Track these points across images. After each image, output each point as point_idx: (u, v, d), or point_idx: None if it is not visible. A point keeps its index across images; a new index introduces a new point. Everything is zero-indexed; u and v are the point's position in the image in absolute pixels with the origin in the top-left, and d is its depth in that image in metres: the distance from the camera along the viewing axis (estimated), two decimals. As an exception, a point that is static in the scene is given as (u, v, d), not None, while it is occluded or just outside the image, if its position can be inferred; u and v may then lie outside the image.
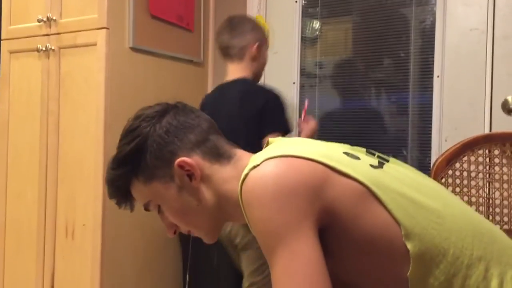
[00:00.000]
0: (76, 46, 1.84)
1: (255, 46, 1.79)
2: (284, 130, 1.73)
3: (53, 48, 1.89)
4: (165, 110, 0.92)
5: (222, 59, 1.87)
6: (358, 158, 0.83)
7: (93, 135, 1.77)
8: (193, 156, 0.88)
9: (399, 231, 0.74)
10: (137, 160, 0.89)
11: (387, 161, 0.88)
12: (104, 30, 1.77)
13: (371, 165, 0.82)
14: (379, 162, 0.85)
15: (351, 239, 0.76)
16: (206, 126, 0.92)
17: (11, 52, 2.03)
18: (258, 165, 0.77)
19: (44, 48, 1.90)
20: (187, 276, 2.03)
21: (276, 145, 0.87)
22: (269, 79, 2.31)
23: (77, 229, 1.82)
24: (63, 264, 1.85)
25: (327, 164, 0.77)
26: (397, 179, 0.81)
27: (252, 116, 1.70)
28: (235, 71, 1.80)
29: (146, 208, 0.94)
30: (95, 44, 1.78)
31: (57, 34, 1.88)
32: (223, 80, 1.88)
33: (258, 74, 1.88)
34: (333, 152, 0.82)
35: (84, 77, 1.81)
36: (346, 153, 0.84)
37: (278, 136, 1.62)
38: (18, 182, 1.99)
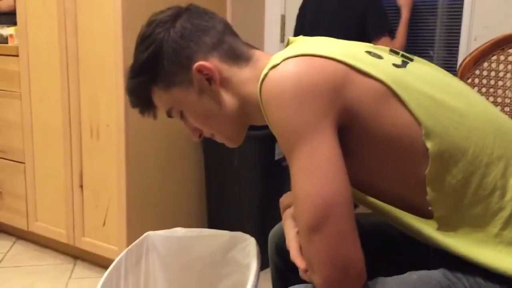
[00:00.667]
0: None
1: None
2: (390, 29, 1.69)
3: None
4: (177, 14, 0.89)
5: None
6: (380, 57, 0.81)
7: (112, 35, 1.75)
8: (211, 59, 0.87)
9: (419, 130, 0.74)
10: (155, 67, 0.88)
11: (411, 60, 0.85)
12: None
13: (394, 64, 0.80)
14: (402, 61, 0.83)
15: (370, 138, 0.76)
16: (221, 27, 0.90)
17: None
18: (277, 64, 0.75)
19: None
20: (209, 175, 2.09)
21: (297, 44, 0.84)
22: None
23: (102, 129, 1.86)
24: (90, 163, 1.92)
25: (348, 63, 0.76)
26: (420, 78, 0.79)
27: (352, 21, 1.67)
28: None
29: (169, 115, 0.95)
30: None
31: None
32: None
33: None
34: (355, 51, 0.80)
35: (99, -26, 1.75)
36: (369, 52, 0.81)
37: (386, 39, 1.64)
38: (40, 82, 2.01)
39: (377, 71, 0.76)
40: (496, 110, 0.86)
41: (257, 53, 0.90)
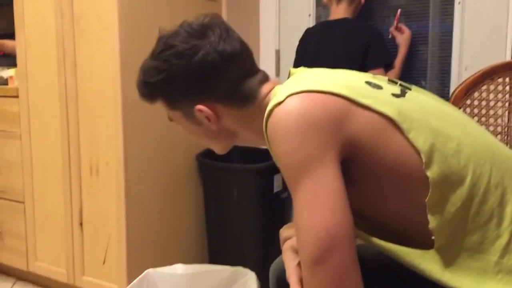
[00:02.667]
0: (87, -16, 1.81)
1: None
2: (388, 61, 1.86)
3: (64, -14, 1.86)
4: (199, 46, 0.89)
5: (329, 0, 1.97)
6: (380, 87, 0.83)
7: (111, 73, 1.78)
8: (216, 104, 0.91)
9: (418, 159, 0.76)
10: (163, 89, 0.93)
11: (409, 89, 0.87)
12: (115, -34, 1.73)
13: (393, 94, 0.82)
14: (401, 90, 0.85)
15: (372, 169, 0.77)
16: (236, 71, 0.90)
17: (23, -7, 2.00)
18: (282, 101, 0.78)
19: (55, -13, 1.87)
20: (209, 209, 2.09)
21: (298, 78, 0.87)
22: (284, 12, 2.26)
23: (101, 166, 1.87)
24: (90, 201, 1.93)
25: (349, 97, 0.78)
26: (418, 107, 0.81)
27: (358, 51, 1.82)
28: (341, 11, 1.93)
29: (170, 120, 1.01)
30: (106, -19, 1.75)
31: (67, -28, 1.85)
32: (237, 15, 1.86)
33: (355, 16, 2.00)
34: (355, 83, 0.82)
35: (97, 15, 1.80)
36: (368, 83, 0.84)
37: (381, 70, 1.82)
38: (40, 122, 2.03)
39: (377, 104, 0.78)
40: (492, 137, 0.88)
41: (263, 90, 0.92)
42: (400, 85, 0.88)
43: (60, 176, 1.99)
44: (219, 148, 1.00)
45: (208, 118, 0.92)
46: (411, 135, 0.76)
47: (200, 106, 0.90)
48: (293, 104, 0.77)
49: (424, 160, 0.75)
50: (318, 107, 0.76)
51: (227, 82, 0.90)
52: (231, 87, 0.90)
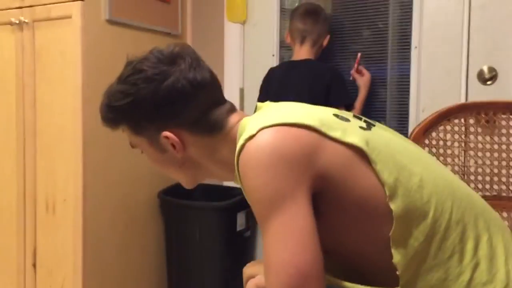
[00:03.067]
0: (51, 19, 1.79)
1: (328, 37, 2.02)
2: (348, 102, 1.93)
3: (26, 21, 1.84)
4: (168, 72, 0.88)
5: (292, 40, 2.04)
6: (348, 120, 0.85)
7: (71, 109, 1.75)
8: (182, 132, 0.89)
9: (383, 192, 0.76)
10: (128, 114, 0.90)
11: (373, 125, 0.89)
12: (79, 2, 1.72)
13: (360, 127, 0.84)
14: (366, 125, 0.87)
15: (339, 202, 0.78)
16: (204, 99, 0.90)
17: (-17, 26, 1.97)
18: (254, 135, 0.77)
19: (17, 21, 1.84)
20: (170, 249, 2.04)
21: (267, 110, 0.87)
22: (248, 51, 2.30)
23: (58, 204, 1.81)
24: (44, 240, 1.85)
25: (319, 130, 0.78)
26: (384, 141, 0.83)
27: (321, 90, 1.90)
28: (304, 52, 1.99)
29: (132, 147, 0.97)
30: (70, 17, 1.74)
31: (31, 6, 1.83)
32: (202, 54, 1.87)
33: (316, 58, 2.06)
34: (324, 116, 0.83)
35: (60, 51, 1.78)
36: (336, 115, 0.85)
37: (342, 108, 1.87)
38: (-5, 158, 1.96)
39: (347, 136, 0.79)
40: (452, 174, 0.90)
41: (231, 120, 0.91)
42: (365, 121, 0.90)
43: (14, 214, 1.91)
44: (184, 180, 0.97)
45: (173, 145, 0.89)
46: (378, 167, 0.77)
47: (166, 133, 0.88)
48: (265, 138, 0.76)
49: (388, 193, 0.76)
50: (291, 141, 0.76)
51: (195, 109, 0.89)
52: (199, 115, 0.89)
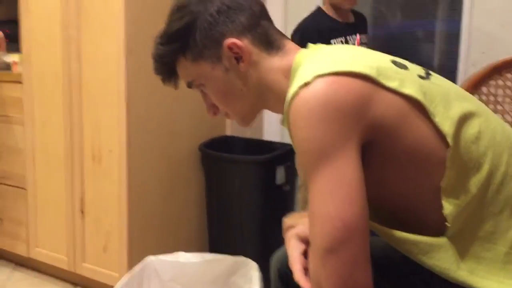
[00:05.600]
0: (94, -30, 1.79)
1: None
2: None
3: (70, -28, 1.85)
4: None
5: None
6: (406, 67, 0.82)
7: (115, 61, 1.77)
8: (243, 39, 0.88)
9: (439, 142, 0.75)
10: (187, 38, 0.89)
11: (431, 74, 0.86)
12: (122, -48, 1.71)
13: (419, 76, 0.81)
14: (425, 73, 0.84)
15: (389, 152, 0.76)
16: (258, 10, 0.91)
17: (28, -22, 1.99)
18: (309, 82, 0.75)
19: (61, -27, 1.86)
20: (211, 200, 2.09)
21: (323, 53, 0.84)
22: (291, 4, 2.24)
23: (104, 154, 1.86)
24: (91, 189, 1.92)
25: (375, 79, 0.75)
26: (443, 91, 0.80)
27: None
28: None
29: (189, 86, 0.95)
30: (113, -32, 1.73)
31: (74, -43, 1.84)
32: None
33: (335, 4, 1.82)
34: (381, 62, 0.80)
35: (104, 2, 1.78)
36: (394, 62, 0.82)
37: None
38: (43, 109, 2.02)
39: (403, 86, 0.76)
40: (510, 128, 0.87)
41: (288, 43, 0.91)
42: (423, 68, 0.86)
43: (62, 163, 1.99)
44: (243, 111, 0.94)
45: (238, 56, 0.88)
46: (437, 119, 0.75)
47: (229, 40, 0.87)
48: (319, 88, 0.74)
49: (451, 144, 0.74)
50: (344, 92, 0.73)
51: (251, 16, 0.88)
52: (256, 21, 0.89)
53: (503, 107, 1.29)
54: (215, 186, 2.08)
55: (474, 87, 1.31)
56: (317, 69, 0.76)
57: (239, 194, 1.97)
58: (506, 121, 1.31)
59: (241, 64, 0.88)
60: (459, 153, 0.75)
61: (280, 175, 2.00)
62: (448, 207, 0.75)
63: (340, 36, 1.78)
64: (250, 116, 0.96)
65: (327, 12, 1.81)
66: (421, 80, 0.79)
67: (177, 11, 0.90)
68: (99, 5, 1.80)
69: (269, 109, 0.94)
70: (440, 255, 0.76)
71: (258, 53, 0.88)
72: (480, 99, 1.31)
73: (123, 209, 1.83)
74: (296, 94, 0.76)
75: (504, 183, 0.77)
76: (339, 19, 1.81)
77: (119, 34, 1.75)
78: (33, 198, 2.11)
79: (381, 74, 0.76)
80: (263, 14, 0.91)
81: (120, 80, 1.76)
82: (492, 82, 1.30)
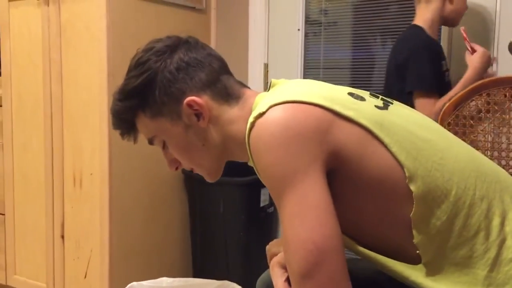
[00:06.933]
0: (76, -7, 1.80)
1: None
2: (425, 89, 1.53)
3: (52, -5, 1.84)
4: (176, 44, 0.90)
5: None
6: (363, 99, 0.82)
7: (97, 84, 1.76)
8: (203, 96, 0.88)
9: (402, 173, 0.75)
10: (146, 95, 0.88)
11: (391, 103, 0.87)
12: (104, -25, 1.72)
13: (376, 106, 0.82)
14: (383, 103, 0.84)
15: (356, 182, 0.76)
16: (217, 65, 0.91)
17: (10, 0, 1.98)
18: (264, 112, 0.76)
19: (43, -4, 1.85)
20: (194, 221, 2.07)
21: (280, 88, 0.85)
22: (273, 26, 2.27)
23: (85, 178, 1.84)
24: (72, 213, 1.89)
25: (331, 108, 0.76)
26: (401, 120, 0.80)
27: (392, 70, 1.59)
28: (417, 15, 1.65)
29: (151, 143, 0.95)
30: (95, -9, 1.74)
31: (56, -20, 1.84)
32: (226, 28, 1.85)
33: (450, 20, 1.65)
34: (337, 94, 0.81)
35: (85, 25, 1.78)
36: (351, 94, 0.83)
37: (423, 98, 1.51)
38: (23, 132, 1.99)
39: (359, 116, 0.77)
40: (475, 151, 0.87)
41: (247, 92, 0.91)
42: (382, 99, 0.87)
43: (42, 187, 1.95)
44: (208, 166, 0.93)
45: (198, 112, 0.87)
46: (394, 149, 0.75)
47: (189, 98, 0.86)
48: (276, 114, 0.75)
49: (407, 175, 0.74)
50: (302, 117, 0.74)
51: (210, 72, 0.89)
52: (215, 76, 0.89)
53: (483, 127, 1.31)
54: (198, 209, 2.06)
55: (455, 107, 1.33)
56: (271, 100, 0.77)
57: (223, 216, 1.96)
58: (487, 141, 1.32)
59: (201, 121, 0.88)
60: (424, 182, 0.75)
61: (264, 197, 1.99)
62: (417, 236, 0.75)
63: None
64: (215, 170, 0.95)
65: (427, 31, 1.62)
66: (379, 111, 0.80)
67: (136, 67, 0.90)
68: (81, 28, 1.79)
69: (236, 159, 0.94)
70: (419, 280, 0.76)
71: (218, 107, 0.88)
72: (461, 120, 1.33)
73: (104, 234, 1.79)
74: (252, 125, 0.76)
75: (475, 207, 0.76)
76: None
77: (101, 57, 1.74)
78: (12, 223, 2.06)
79: (337, 104, 0.77)
80: (223, 69, 0.92)
81: (102, 102, 1.75)
82: (473, 103, 1.32)
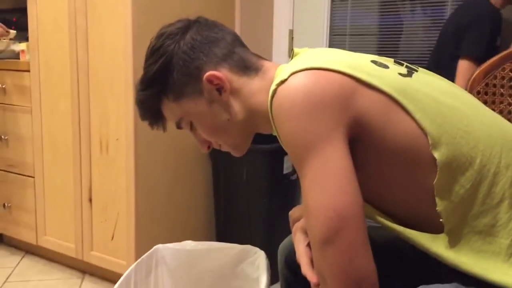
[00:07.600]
0: (101, -42, 1.78)
1: None
2: (475, 56, 1.55)
3: (77, -40, 1.84)
4: (187, 26, 0.91)
5: None
6: (386, 67, 0.81)
7: (122, 50, 1.77)
8: (221, 69, 0.88)
9: (426, 140, 0.74)
10: (165, 79, 0.89)
11: (416, 70, 0.85)
12: None
13: (400, 74, 0.80)
14: (407, 71, 0.83)
15: (379, 149, 0.76)
16: (231, 39, 0.91)
17: (35, -34, 1.99)
18: (285, 79, 0.75)
19: (68, -40, 1.85)
20: (219, 188, 2.09)
21: (302, 57, 0.85)
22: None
23: (111, 143, 1.87)
24: (99, 177, 1.93)
25: (354, 75, 0.76)
26: (426, 88, 0.79)
27: (449, 34, 1.61)
28: None
29: (179, 126, 0.95)
30: (119, -45, 1.72)
31: None
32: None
33: None
34: (360, 62, 0.80)
35: (110, -10, 1.78)
36: (374, 62, 0.82)
37: (470, 63, 1.52)
38: (51, 97, 2.03)
39: (382, 83, 0.76)
40: (502, 119, 0.86)
41: (266, 63, 0.91)
42: (406, 66, 0.86)
43: (70, 152, 2.00)
44: (234, 140, 0.93)
45: (218, 87, 0.88)
46: (418, 116, 0.74)
47: (208, 73, 0.86)
48: (297, 81, 0.74)
49: (431, 142, 0.74)
50: (324, 83, 0.74)
51: (223, 45, 0.89)
52: (230, 49, 0.89)
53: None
54: (222, 175, 2.08)
55: (485, 74, 1.29)
56: (292, 68, 0.77)
57: (247, 183, 1.97)
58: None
59: (224, 94, 0.88)
60: (448, 149, 0.74)
61: (287, 164, 1.99)
62: (441, 204, 0.75)
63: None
64: (242, 144, 0.95)
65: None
66: (402, 78, 0.79)
67: (151, 54, 0.91)
68: (106, -7, 1.79)
69: (261, 131, 0.94)
70: (440, 251, 0.76)
71: (238, 79, 0.88)
72: (491, 87, 1.29)
73: (130, 198, 1.84)
74: (274, 92, 0.76)
75: (500, 175, 0.75)
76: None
77: (127, 23, 1.74)
78: (41, 186, 2.12)
79: (360, 71, 0.76)
80: (236, 41, 0.92)
81: (127, 69, 1.76)
82: (504, 70, 1.28)
